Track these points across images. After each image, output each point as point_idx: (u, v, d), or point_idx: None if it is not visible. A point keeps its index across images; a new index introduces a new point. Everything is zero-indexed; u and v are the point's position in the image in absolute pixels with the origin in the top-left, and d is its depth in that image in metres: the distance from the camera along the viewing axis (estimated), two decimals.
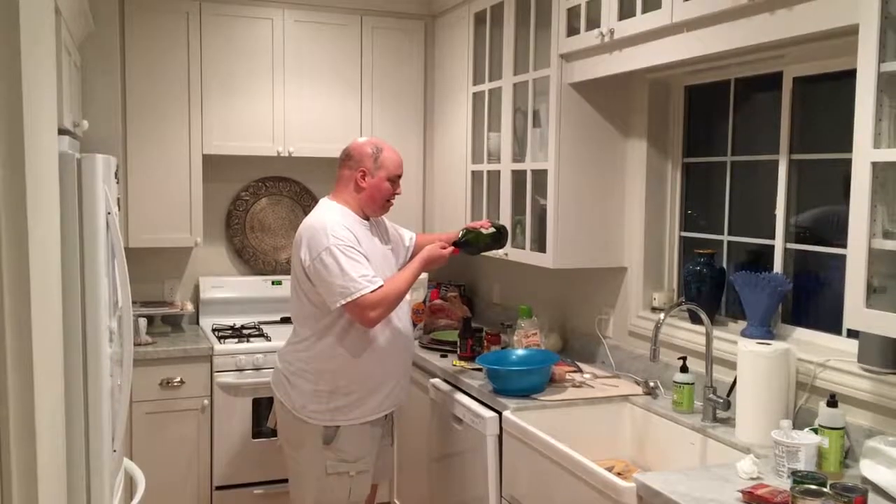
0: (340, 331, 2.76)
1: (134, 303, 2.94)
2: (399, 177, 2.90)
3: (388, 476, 3.20)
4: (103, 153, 2.40)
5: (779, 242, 2.66)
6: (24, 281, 1.52)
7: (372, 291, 2.64)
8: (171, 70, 3.84)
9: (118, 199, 2.81)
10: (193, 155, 3.90)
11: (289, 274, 4.51)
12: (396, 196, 2.92)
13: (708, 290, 2.81)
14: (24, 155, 1.48)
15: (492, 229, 3.00)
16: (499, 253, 3.43)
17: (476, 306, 4.42)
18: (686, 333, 2.89)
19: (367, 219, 2.89)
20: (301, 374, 2.83)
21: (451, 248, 2.91)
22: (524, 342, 3.31)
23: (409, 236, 3.17)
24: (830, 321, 2.50)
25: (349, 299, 2.64)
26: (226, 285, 4.24)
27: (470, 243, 2.97)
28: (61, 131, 2.39)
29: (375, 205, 2.88)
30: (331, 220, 2.76)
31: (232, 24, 3.93)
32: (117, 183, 2.80)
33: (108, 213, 2.37)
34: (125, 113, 3.78)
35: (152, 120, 3.82)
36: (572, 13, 3.04)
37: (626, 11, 2.71)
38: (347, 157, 2.89)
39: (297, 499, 2.94)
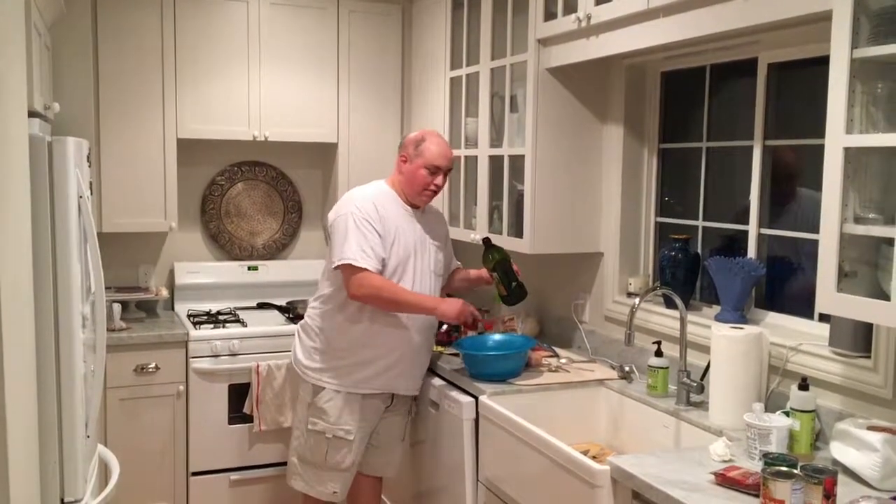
0: (344, 297, 2.87)
1: (108, 288, 2.92)
2: (439, 168, 2.92)
3: (394, 471, 3.22)
4: (75, 136, 2.37)
5: (753, 228, 2.68)
6: None
7: (358, 266, 2.75)
8: (145, 52, 3.78)
9: (90, 182, 2.78)
10: (168, 138, 3.85)
11: (264, 259, 4.59)
12: (435, 188, 2.95)
13: (683, 275, 2.83)
14: None
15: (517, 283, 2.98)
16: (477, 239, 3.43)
17: None
18: (661, 318, 2.91)
19: (414, 207, 2.98)
20: (307, 329, 3.03)
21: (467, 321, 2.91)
22: (501, 327, 3.32)
23: (456, 263, 3.30)
24: (803, 306, 2.53)
25: (339, 263, 2.79)
26: (201, 271, 4.21)
27: (501, 252, 3.00)
28: (32, 114, 2.35)
29: (412, 191, 2.96)
30: (364, 193, 2.92)
31: (207, 6, 3.87)
32: (89, 166, 2.77)
33: (80, 197, 2.34)
34: (98, 95, 3.72)
35: (126, 103, 3.76)
36: None
37: None
38: (400, 144, 3.06)
39: (291, 450, 3.09)
